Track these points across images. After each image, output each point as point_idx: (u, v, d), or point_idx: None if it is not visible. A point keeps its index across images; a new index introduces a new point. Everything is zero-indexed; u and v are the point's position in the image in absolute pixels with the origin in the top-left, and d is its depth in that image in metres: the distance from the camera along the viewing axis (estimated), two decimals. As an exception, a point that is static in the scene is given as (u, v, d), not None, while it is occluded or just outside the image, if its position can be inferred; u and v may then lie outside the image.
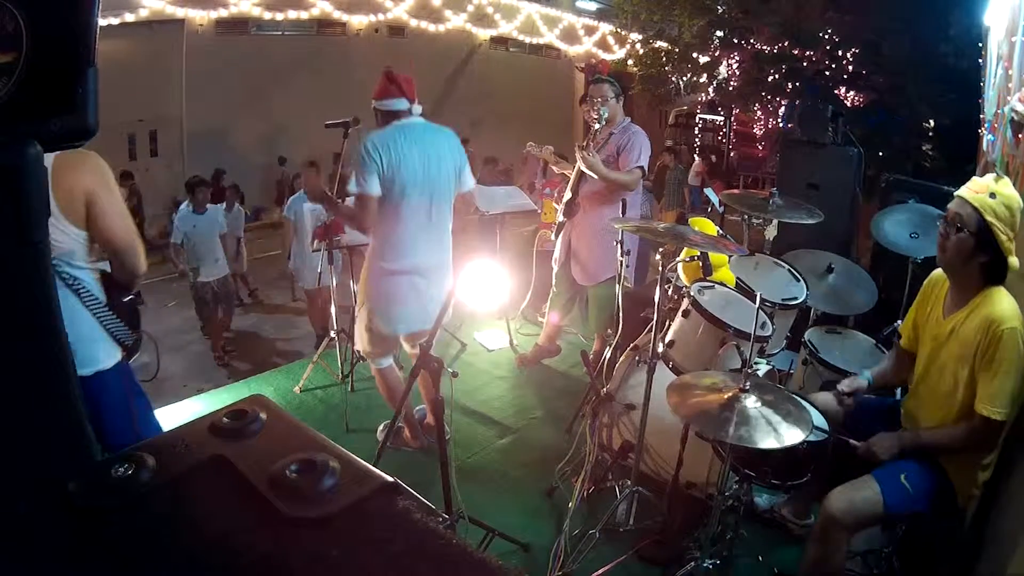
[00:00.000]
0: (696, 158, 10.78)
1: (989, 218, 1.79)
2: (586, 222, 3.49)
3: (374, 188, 2.50)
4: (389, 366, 2.94)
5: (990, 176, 1.88)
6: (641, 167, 3.33)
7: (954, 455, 1.93)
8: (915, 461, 1.94)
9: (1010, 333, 1.77)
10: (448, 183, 2.67)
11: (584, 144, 3.26)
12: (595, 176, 3.28)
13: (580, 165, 3.31)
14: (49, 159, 1.58)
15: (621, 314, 2.88)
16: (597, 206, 3.43)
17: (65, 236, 1.73)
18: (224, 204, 6.24)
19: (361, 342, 2.88)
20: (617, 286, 2.94)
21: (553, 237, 3.74)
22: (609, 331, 3.05)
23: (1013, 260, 1.82)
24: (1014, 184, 2.45)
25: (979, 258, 1.84)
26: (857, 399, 2.18)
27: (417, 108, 2.64)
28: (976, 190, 1.84)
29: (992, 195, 1.80)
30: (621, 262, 2.91)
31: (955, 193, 1.91)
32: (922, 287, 2.15)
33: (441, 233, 2.72)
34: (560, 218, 3.58)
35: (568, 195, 3.50)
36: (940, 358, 1.96)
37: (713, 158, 11.63)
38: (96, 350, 1.89)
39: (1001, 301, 1.83)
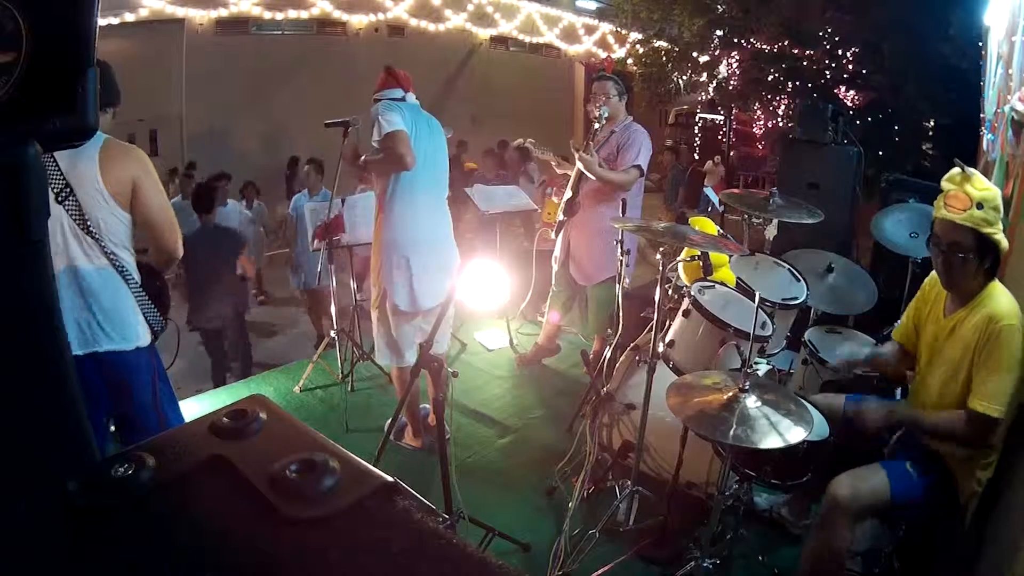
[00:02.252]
0: (716, 165, 10.63)
1: (986, 230, 1.77)
2: (585, 222, 3.48)
3: (401, 123, 2.60)
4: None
5: (955, 175, 1.83)
6: (638, 166, 3.31)
7: (956, 452, 1.93)
8: (919, 453, 1.94)
9: (1008, 330, 1.77)
10: (445, 162, 2.88)
11: (583, 145, 3.27)
12: (592, 176, 3.28)
13: (578, 165, 3.31)
14: (96, 150, 1.87)
15: (621, 314, 2.88)
16: (597, 205, 3.42)
17: (114, 218, 1.94)
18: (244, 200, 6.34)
19: (385, 347, 2.94)
20: (617, 286, 2.94)
21: (553, 236, 3.73)
22: (609, 331, 3.05)
23: (1003, 243, 1.81)
24: (1014, 184, 2.46)
25: (984, 265, 1.84)
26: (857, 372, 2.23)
27: (411, 97, 2.83)
28: (961, 207, 1.78)
29: (979, 206, 1.76)
30: (621, 261, 2.91)
31: (939, 215, 1.85)
32: (922, 286, 2.15)
33: (444, 208, 2.89)
34: (560, 216, 3.58)
35: (568, 194, 3.49)
36: (941, 356, 1.96)
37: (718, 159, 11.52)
38: (136, 328, 2.05)
39: (1001, 298, 1.84)
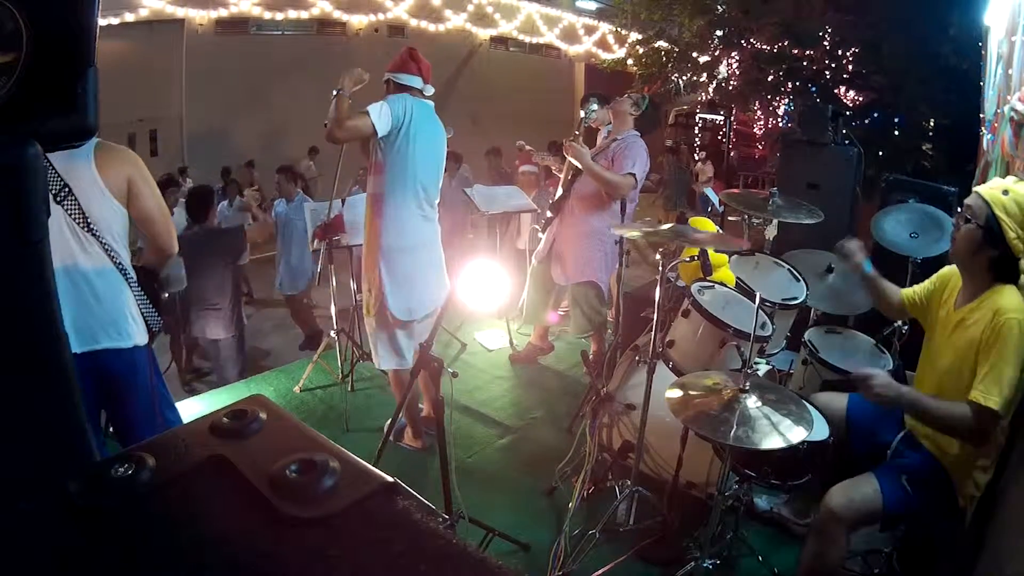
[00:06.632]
0: (703, 163, 10.60)
1: (998, 212, 1.80)
2: (571, 223, 3.50)
3: (382, 126, 2.55)
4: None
5: (1011, 178, 1.91)
6: (633, 174, 3.28)
7: (955, 454, 1.93)
8: (916, 462, 1.94)
9: (1011, 322, 1.76)
10: (441, 168, 2.84)
11: (574, 136, 3.28)
12: (582, 168, 3.29)
13: (568, 157, 3.33)
14: (90, 150, 1.91)
15: (621, 314, 2.89)
16: (585, 209, 3.43)
17: (112, 213, 1.98)
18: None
19: (385, 352, 2.83)
20: (617, 286, 2.95)
21: (540, 233, 3.75)
22: (592, 331, 3.05)
23: (1018, 247, 1.81)
24: (1014, 184, 2.44)
25: (987, 252, 1.84)
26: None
27: (430, 89, 2.78)
28: (991, 187, 1.87)
29: (1005, 192, 1.82)
30: (621, 263, 2.92)
31: (974, 189, 1.95)
32: (943, 271, 2.13)
33: (432, 212, 2.84)
34: (548, 214, 3.60)
35: (559, 192, 3.52)
36: (946, 349, 1.96)
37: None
38: (135, 326, 2.07)
39: (1009, 295, 1.84)
